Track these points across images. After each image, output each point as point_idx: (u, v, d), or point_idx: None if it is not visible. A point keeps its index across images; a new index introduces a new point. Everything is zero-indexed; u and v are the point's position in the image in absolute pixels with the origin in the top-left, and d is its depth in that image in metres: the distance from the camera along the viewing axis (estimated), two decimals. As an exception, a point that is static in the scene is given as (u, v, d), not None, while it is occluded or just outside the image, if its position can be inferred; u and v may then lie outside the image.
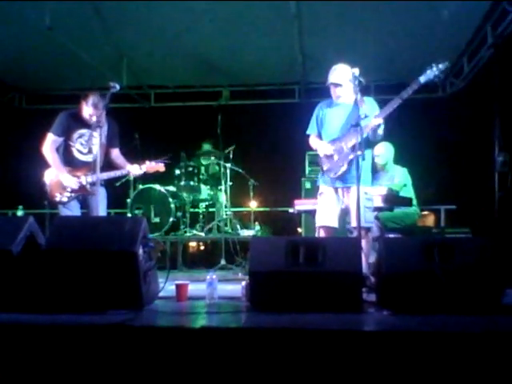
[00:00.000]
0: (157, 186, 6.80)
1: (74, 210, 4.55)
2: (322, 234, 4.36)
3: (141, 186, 6.84)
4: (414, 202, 5.38)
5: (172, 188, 6.97)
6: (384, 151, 5.66)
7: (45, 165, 4.58)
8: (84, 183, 4.51)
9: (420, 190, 5.66)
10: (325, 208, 4.39)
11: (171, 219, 6.71)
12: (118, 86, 4.28)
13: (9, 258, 3.06)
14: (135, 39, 6.76)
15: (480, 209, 6.23)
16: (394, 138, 5.74)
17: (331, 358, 2.38)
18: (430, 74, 4.10)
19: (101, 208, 4.56)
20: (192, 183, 6.96)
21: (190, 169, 7.00)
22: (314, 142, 4.58)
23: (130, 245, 3.01)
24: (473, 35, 6.56)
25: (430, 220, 6.63)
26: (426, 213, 6.05)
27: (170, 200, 6.73)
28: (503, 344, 2.32)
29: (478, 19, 6.17)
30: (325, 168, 4.42)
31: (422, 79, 4.12)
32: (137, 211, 6.66)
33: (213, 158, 7.16)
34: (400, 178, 5.51)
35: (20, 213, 6.70)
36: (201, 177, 7.07)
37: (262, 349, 2.43)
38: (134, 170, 4.77)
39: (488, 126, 5.79)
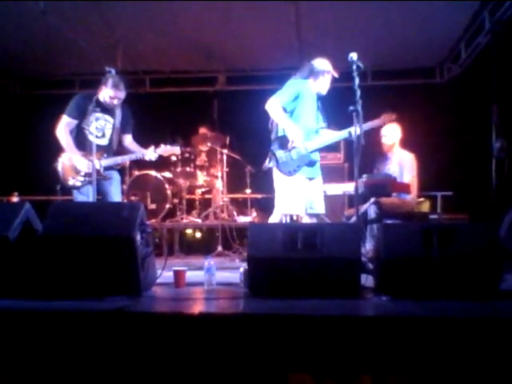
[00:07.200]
0: (153, 172, 6.76)
1: (88, 195, 4.44)
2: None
3: (136, 173, 6.79)
4: (414, 189, 5.33)
5: (168, 174, 6.94)
6: (392, 131, 5.53)
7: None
8: (98, 167, 4.42)
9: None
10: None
11: (167, 205, 6.68)
12: (113, 71, 4.25)
13: (5, 243, 3.05)
14: (130, 23, 6.68)
15: (477, 195, 6.23)
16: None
17: (330, 343, 2.39)
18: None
19: (115, 193, 4.54)
20: (188, 169, 6.93)
21: (187, 155, 6.97)
22: None
23: (127, 230, 3.00)
24: (470, 21, 6.51)
25: (425, 206, 6.63)
26: (421, 199, 6.03)
27: (166, 186, 6.70)
28: (501, 329, 2.33)
29: (475, 4, 6.11)
30: None
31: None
32: (133, 198, 6.63)
33: (209, 143, 7.11)
34: (405, 165, 5.43)
35: (15, 199, 6.65)
36: (197, 163, 7.05)
37: (261, 335, 2.43)
38: (149, 153, 4.73)
39: (485, 111, 5.77)
